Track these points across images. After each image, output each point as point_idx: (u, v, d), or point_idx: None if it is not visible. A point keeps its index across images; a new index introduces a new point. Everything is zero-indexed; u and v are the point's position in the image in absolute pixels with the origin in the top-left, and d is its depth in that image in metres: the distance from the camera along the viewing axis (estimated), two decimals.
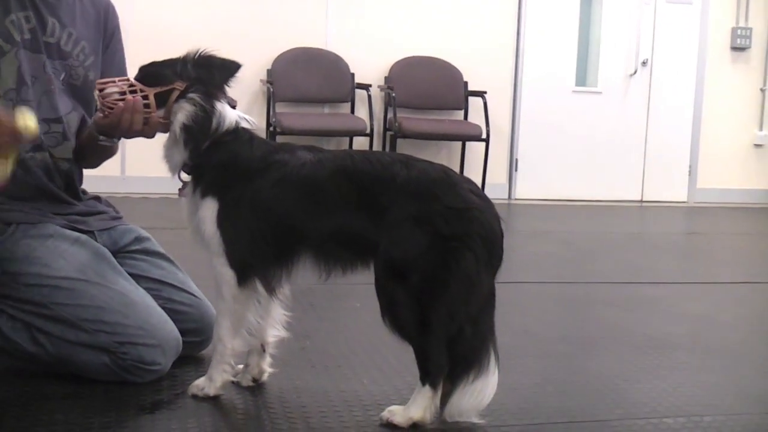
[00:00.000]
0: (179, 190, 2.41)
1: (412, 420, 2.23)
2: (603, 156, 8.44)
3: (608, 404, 2.55)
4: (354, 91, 7.62)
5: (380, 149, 7.57)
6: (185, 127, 2.34)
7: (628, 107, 8.52)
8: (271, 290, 2.39)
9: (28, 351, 2.46)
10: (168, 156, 2.41)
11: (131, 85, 2.37)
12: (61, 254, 2.49)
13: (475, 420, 2.28)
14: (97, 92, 2.40)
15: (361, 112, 7.58)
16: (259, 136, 2.45)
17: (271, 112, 7.22)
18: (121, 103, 2.35)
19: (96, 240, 2.66)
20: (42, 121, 2.50)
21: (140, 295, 2.55)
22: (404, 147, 7.53)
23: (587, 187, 8.40)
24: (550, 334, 3.41)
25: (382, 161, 2.26)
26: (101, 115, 2.42)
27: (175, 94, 2.35)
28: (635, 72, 8.46)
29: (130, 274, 2.62)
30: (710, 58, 8.64)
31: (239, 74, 2.39)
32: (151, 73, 2.39)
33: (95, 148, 2.65)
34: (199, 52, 2.37)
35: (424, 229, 2.16)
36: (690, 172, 8.73)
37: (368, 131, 7.33)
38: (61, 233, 2.55)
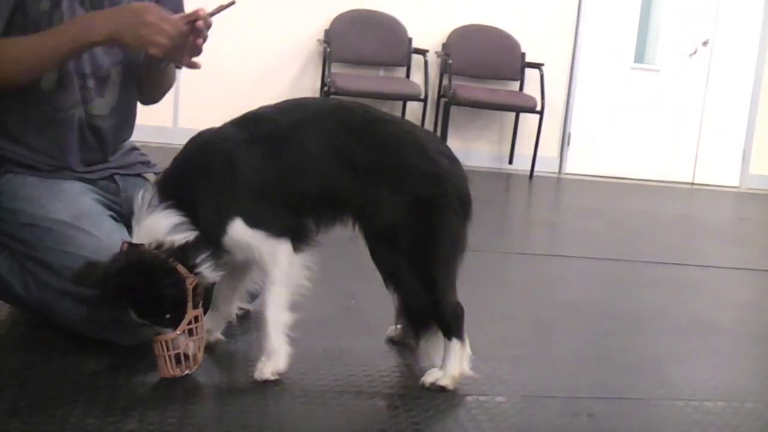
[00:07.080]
0: None
1: (456, 378, 2.27)
2: (656, 135, 8.37)
3: (650, 383, 2.56)
4: (410, 56, 7.60)
5: (434, 115, 7.56)
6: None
7: (685, 87, 8.42)
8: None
9: (18, 294, 2.41)
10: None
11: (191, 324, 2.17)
12: (61, 197, 2.41)
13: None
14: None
15: (417, 77, 7.56)
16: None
17: (326, 73, 7.24)
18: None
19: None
20: (77, 75, 2.46)
21: None
22: (458, 114, 7.52)
23: (639, 165, 8.34)
24: (593, 310, 3.41)
25: (350, 120, 2.26)
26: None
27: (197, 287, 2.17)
28: (695, 52, 8.35)
29: None
30: None
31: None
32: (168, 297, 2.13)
33: (152, 79, 2.61)
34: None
35: (403, 194, 2.20)
36: (744, 157, 8.62)
37: (422, 97, 7.32)
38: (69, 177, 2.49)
